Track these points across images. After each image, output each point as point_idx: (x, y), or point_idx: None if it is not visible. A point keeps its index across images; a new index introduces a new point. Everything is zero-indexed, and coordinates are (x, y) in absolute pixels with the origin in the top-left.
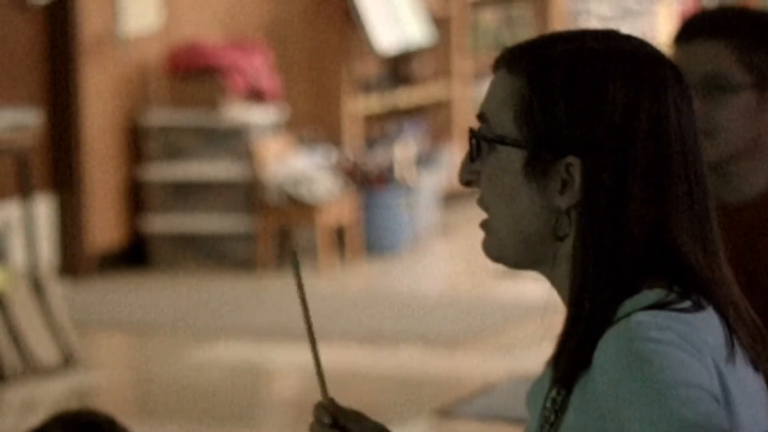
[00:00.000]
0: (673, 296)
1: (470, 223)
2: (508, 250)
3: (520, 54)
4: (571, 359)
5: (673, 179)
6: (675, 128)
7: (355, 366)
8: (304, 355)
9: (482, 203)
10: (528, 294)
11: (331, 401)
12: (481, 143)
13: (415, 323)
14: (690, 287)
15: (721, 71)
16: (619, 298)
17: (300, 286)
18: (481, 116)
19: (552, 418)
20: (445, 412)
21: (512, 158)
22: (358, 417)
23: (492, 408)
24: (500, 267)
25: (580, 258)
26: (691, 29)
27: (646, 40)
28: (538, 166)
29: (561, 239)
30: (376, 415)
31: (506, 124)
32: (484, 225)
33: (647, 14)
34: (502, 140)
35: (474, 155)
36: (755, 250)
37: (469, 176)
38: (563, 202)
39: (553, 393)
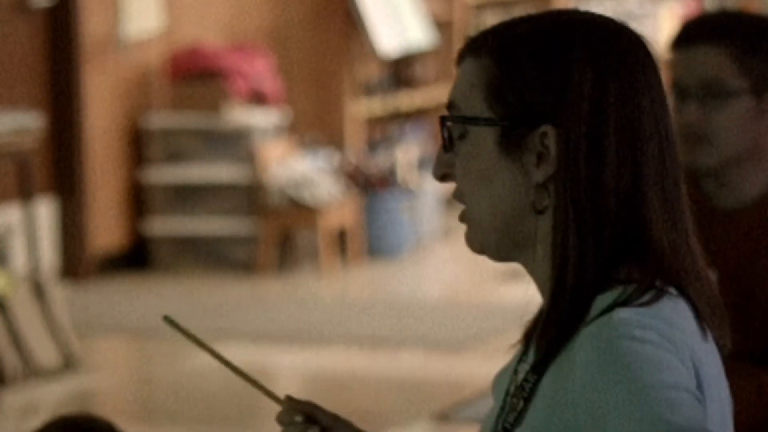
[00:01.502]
0: (632, 288)
1: None
2: (490, 237)
3: (483, 38)
4: (549, 345)
5: (645, 144)
6: (644, 94)
7: (355, 369)
8: (306, 358)
9: (458, 195)
10: (529, 297)
11: (289, 399)
12: (452, 132)
13: (416, 327)
14: (656, 266)
15: (719, 77)
16: (600, 273)
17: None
18: (450, 104)
19: (520, 404)
20: (445, 416)
21: (486, 138)
22: (315, 406)
23: None
24: (502, 270)
25: (560, 228)
26: (689, 35)
27: (607, 15)
28: (512, 141)
29: (540, 214)
30: (376, 419)
31: (476, 105)
32: (463, 217)
33: (649, 17)
34: (474, 120)
35: (447, 146)
36: (755, 254)
37: (444, 169)
38: (540, 175)
39: (522, 377)
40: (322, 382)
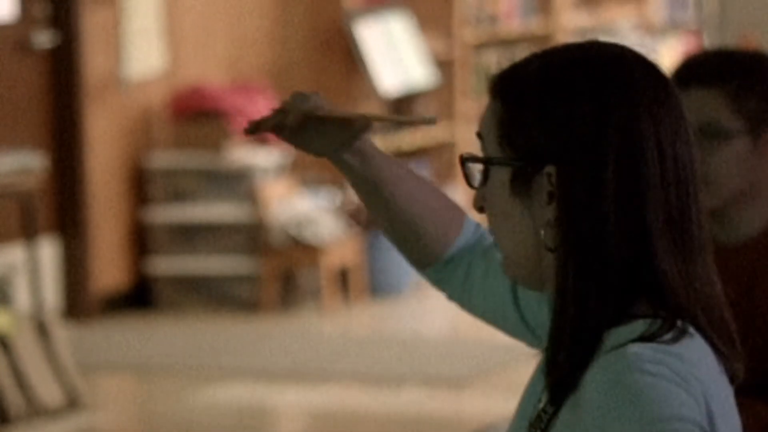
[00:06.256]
0: (658, 324)
1: None
2: (516, 269)
3: (498, 78)
4: (559, 380)
5: (648, 180)
6: (650, 133)
7: (358, 406)
8: (309, 395)
9: (489, 228)
10: None
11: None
12: (478, 170)
13: (418, 363)
14: (670, 301)
15: (714, 120)
16: (605, 311)
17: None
18: (478, 135)
19: None
20: None
21: (502, 178)
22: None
23: None
24: None
25: (561, 266)
26: (683, 77)
27: (630, 47)
28: (522, 181)
29: (552, 252)
30: None
31: (494, 146)
32: (496, 246)
33: (650, 53)
34: (489, 161)
35: (470, 183)
36: (753, 287)
37: (480, 202)
38: (550, 213)
39: (541, 407)
40: (324, 420)
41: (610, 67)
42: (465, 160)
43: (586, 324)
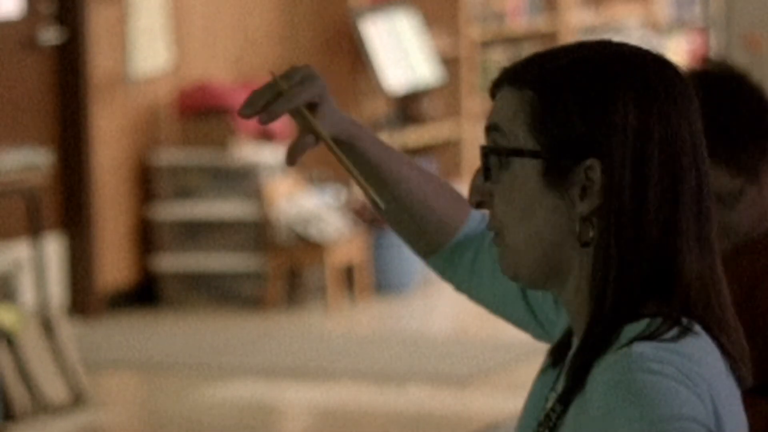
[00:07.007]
0: (660, 322)
1: None
2: (526, 266)
3: (522, 69)
4: (573, 377)
5: (684, 175)
6: (683, 125)
7: (363, 404)
8: (314, 393)
9: (494, 224)
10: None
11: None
12: (491, 163)
13: (423, 362)
14: (682, 301)
15: (722, 189)
16: (633, 306)
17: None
18: (493, 126)
19: None
20: None
21: (529, 170)
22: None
23: None
24: None
25: (602, 261)
26: None
27: (642, 46)
28: (557, 173)
29: (586, 246)
30: None
31: (520, 136)
32: (497, 242)
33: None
34: (519, 152)
35: (488, 176)
36: (755, 291)
37: (481, 197)
38: (585, 207)
39: (549, 407)
40: (330, 417)
41: (647, 64)
42: (488, 152)
43: (618, 317)
